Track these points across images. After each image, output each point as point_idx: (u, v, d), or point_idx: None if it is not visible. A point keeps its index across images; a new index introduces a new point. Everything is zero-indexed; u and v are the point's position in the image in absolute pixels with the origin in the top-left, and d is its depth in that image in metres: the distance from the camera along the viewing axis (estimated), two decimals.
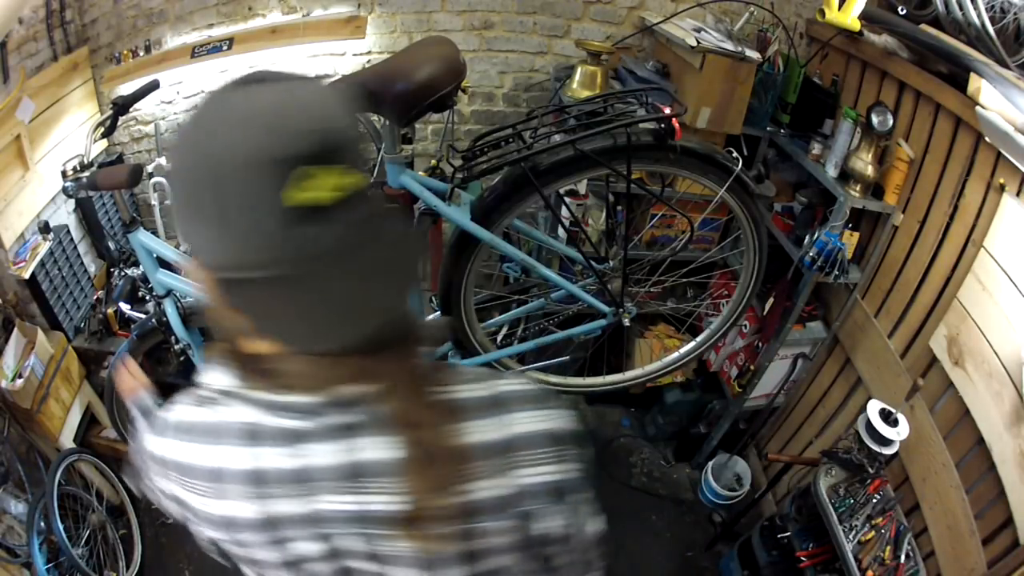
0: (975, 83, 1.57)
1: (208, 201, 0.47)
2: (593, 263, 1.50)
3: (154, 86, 1.72)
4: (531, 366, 1.77)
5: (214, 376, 0.60)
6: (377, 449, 0.54)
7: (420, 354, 0.57)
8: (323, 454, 0.54)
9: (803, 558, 1.87)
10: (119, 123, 1.65)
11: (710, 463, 2.64)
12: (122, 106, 1.61)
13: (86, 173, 1.53)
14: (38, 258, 1.94)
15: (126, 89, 2.20)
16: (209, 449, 0.58)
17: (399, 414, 0.53)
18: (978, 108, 1.55)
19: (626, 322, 1.58)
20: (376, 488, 0.54)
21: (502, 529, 0.55)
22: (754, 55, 2.04)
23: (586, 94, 2.11)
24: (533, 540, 0.57)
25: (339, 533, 0.56)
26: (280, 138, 0.45)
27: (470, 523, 0.54)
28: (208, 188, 0.46)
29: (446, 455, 0.53)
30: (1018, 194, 1.55)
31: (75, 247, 2.17)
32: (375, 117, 2.36)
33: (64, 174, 1.56)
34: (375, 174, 1.45)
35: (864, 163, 1.89)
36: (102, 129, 1.60)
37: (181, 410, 0.62)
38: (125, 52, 2.23)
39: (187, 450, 0.59)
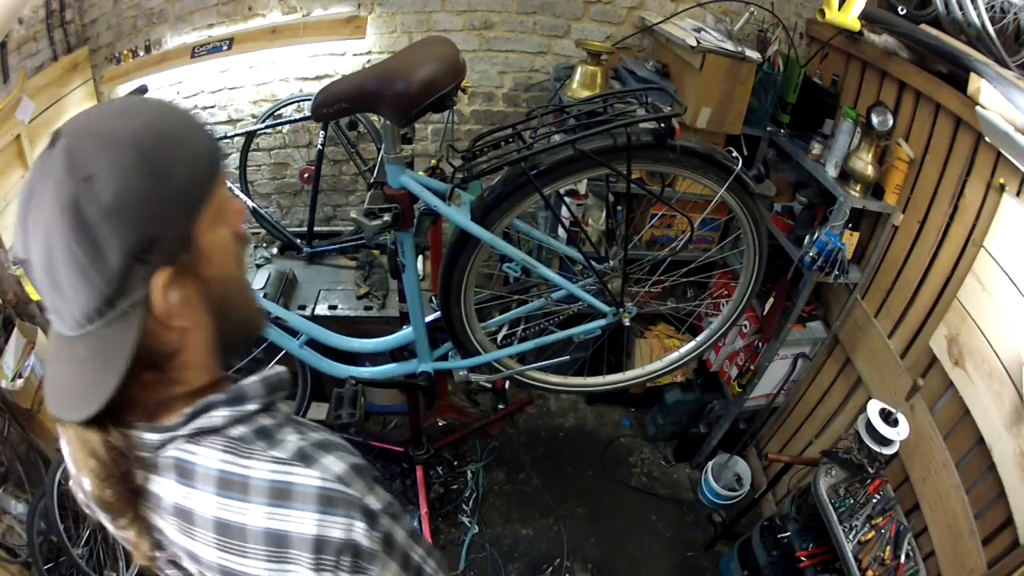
0: (975, 83, 1.57)
1: None
2: (593, 263, 1.50)
3: (142, 91, 1.72)
4: (531, 366, 1.77)
5: None
6: None
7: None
8: None
9: (803, 558, 1.87)
10: None
11: (710, 463, 2.64)
12: None
13: None
14: None
15: (124, 90, 2.20)
16: None
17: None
18: (978, 108, 1.55)
19: (626, 322, 1.58)
20: None
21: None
22: (754, 55, 2.04)
23: (586, 94, 2.11)
24: None
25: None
26: None
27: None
28: None
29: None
30: (1018, 194, 1.55)
31: None
32: (375, 117, 2.37)
33: None
34: (376, 174, 1.45)
35: (864, 163, 1.89)
36: None
37: None
38: (125, 52, 2.23)
39: None
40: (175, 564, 0.64)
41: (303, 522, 0.56)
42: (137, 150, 0.51)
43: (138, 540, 0.61)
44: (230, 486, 0.57)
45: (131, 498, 0.59)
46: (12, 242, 0.54)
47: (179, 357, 0.59)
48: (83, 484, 0.60)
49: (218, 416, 0.59)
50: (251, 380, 0.62)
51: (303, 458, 0.59)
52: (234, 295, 0.62)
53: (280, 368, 0.66)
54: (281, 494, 0.57)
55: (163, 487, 0.59)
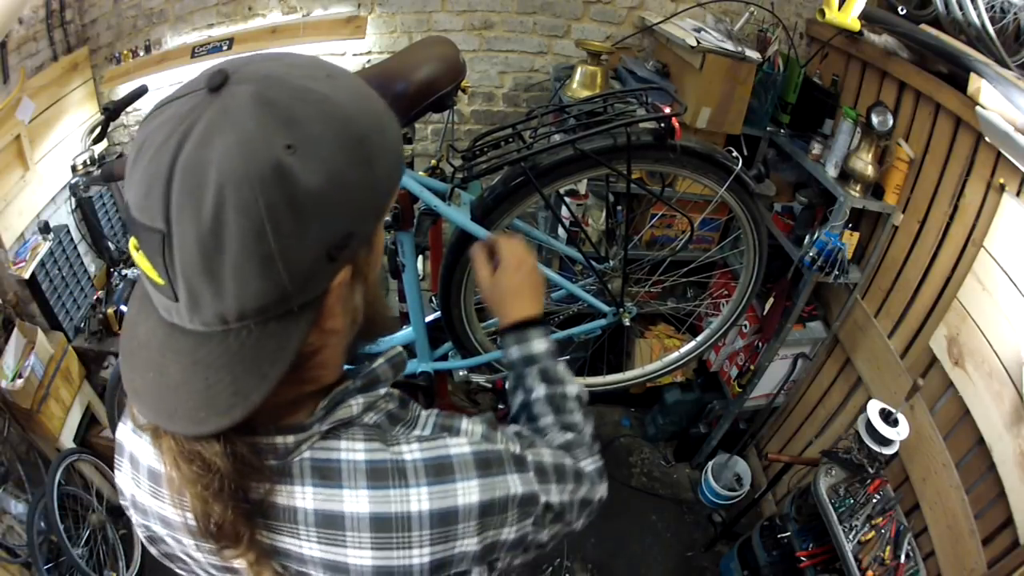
0: (975, 83, 1.57)
1: None
2: (593, 263, 1.50)
3: (142, 91, 1.72)
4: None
5: None
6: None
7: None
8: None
9: (803, 558, 1.87)
10: (110, 128, 1.66)
11: (710, 463, 2.64)
12: (113, 111, 1.61)
13: (96, 168, 1.54)
14: (38, 258, 1.94)
15: (124, 90, 2.20)
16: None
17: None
18: (978, 108, 1.55)
19: (626, 322, 1.58)
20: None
21: None
22: (754, 55, 2.04)
23: (586, 94, 2.11)
24: None
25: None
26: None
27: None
28: None
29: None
30: (1018, 194, 1.55)
31: (75, 247, 2.17)
32: None
33: (74, 168, 1.56)
34: None
35: (864, 163, 1.89)
36: (95, 134, 1.61)
37: None
38: (125, 52, 2.23)
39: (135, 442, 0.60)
40: None
41: (468, 492, 0.55)
42: (353, 131, 0.43)
43: (259, 568, 0.52)
44: (384, 475, 0.52)
45: (248, 517, 0.50)
46: (129, 197, 0.41)
47: (317, 356, 0.51)
48: (176, 509, 0.53)
49: (355, 404, 0.55)
50: (380, 363, 0.59)
51: (446, 429, 0.60)
52: (379, 298, 0.57)
53: (397, 347, 0.62)
54: (440, 470, 0.54)
55: (298, 496, 0.52)
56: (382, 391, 0.59)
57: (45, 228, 2.02)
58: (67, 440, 2.07)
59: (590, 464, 0.78)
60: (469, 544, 0.55)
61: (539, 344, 0.89)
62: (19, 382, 1.84)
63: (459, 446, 0.57)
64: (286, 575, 0.54)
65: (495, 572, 0.65)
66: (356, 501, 0.51)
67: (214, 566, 0.59)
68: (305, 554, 0.53)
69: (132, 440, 0.59)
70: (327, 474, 0.52)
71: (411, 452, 0.54)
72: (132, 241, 0.44)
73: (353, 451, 0.53)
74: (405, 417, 0.62)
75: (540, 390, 0.87)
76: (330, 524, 0.51)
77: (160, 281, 0.42)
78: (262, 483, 0.50)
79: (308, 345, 0.48)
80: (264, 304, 0.42)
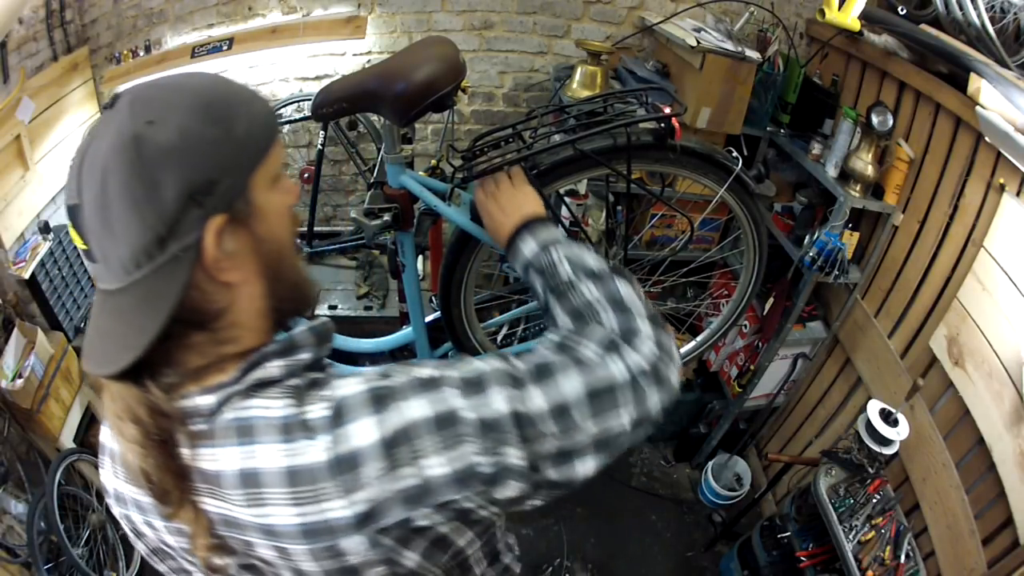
0: (975, 83, 1.57)
1: None
2: None
3: None
4: None
5: None
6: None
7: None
8: None
9: (803, 558, 1.87)
10: None
11: (710, 463, 2.64)
12: None
13: None
14: (38, 258, 1.94)
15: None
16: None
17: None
18: (978, 108, 1.55)
19: None
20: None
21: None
22: (754, 55, 2.04)
23: (586, 94, 2.11)
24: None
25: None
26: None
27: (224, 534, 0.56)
28: None
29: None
30: (1018, 194, 1.55)
31: (75, 247, 2.17)
32: (375, 117, 2.37)
33: None
34: (375, 174, 1.45)
35: (864, 163, 1.89)
36: None
37: None
38: (125, 52, 2.23)
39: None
40: (249, 568, 0.59)
41: (367, 431, 0.52)
42: (200, 99, 0.53)
43: (195, 528, 0.55)
44: (294, 429, 0.53)
45: (178, 474, 0.55)
46: (66, 188, 0.54)
47: (228, 316, 0.56)
48: (127, 460, 0.56)
49: (274, 367, 0.57)
50: (299, 329, 0.61)
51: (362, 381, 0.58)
52: (287, 262, 0.61)
53: (325, 317, 0.64)
54: (339, 414, 0.54)
55: (222, 458, 0.54)
56: (303, 356, 0.60)
57: (45, 228, 2.02)
58: (67, 440, 2.07)
59: (624, 346, 0.65)
60: (387, 488, 0.52)
61: (527, 248, 0.85)
62: (19, 382, 1.84)
63: (354, 387, 0.56)
64: (223, 543, 0.56)
65: (490, 537, 0.66)
66: (269, 456, 0.53)
67: (184, 549, 0.61)
68: (240, 518, 0.55)
69: (108, 435, 0.63)
70: (244, 431, 0.54)
71: (320, 408, 0.55)
72: (69, 223, 0.53)
73: (268, 408, 0.55)
74: (331, 384, 0.59)
75: (539, 288, 0.81)
76: (251, 483, 0.53)
77: (84, 246, 0.52)
78: (190, 446, 0.54)
79: (211, 301, 0.55)
80: (145, 245, 0.50)
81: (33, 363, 1.90)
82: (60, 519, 1.84)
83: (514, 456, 0.56)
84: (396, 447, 0.53)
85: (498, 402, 0.57)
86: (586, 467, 0.61)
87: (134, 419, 0.54)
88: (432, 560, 0.59)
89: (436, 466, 0.53)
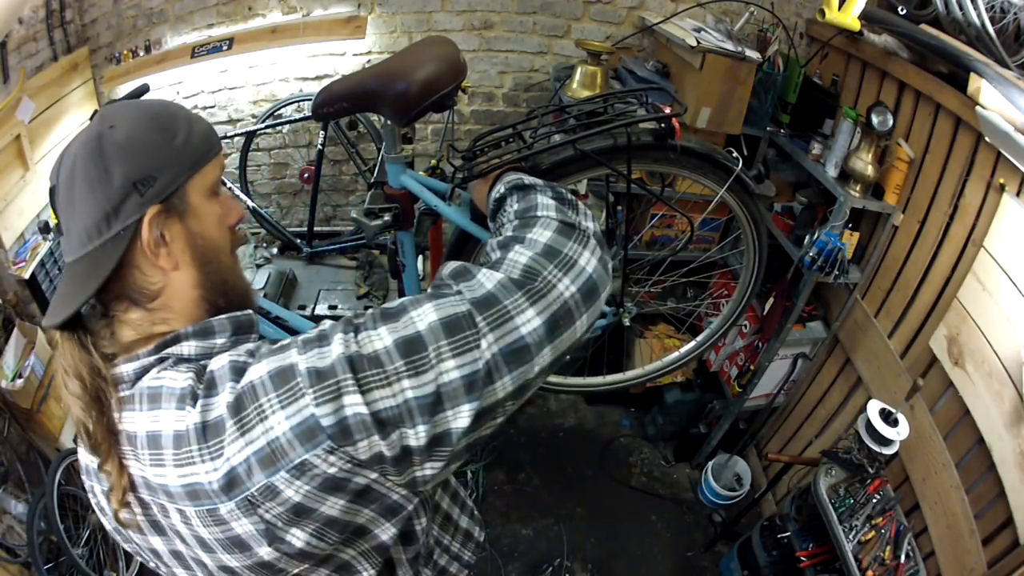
0: (975, 83, 1.57)
1: None
2: None
3: (143, 90, 1.71)
4: None
5: None
6: None
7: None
8: None
9: (803, 558, 1.87)
10: None
11: (710, 463, 2.64)
12: None
13: None
14: (38, 258, 1.94)
15: (124, 90, 2.20)
16: None
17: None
18: (978, 108, 1.55)
19: (626, 322, 1.58)
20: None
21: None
22: (754, 55, 2.04)
23: (586, 94, 2.11)
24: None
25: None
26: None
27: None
28: None
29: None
30: (1018, 194, 1.55)
31: None
32: (375, 117, 2.37)
33: None
34: (376, 174, 1.45)
35: (864, 163, 1.89)
36: None
37: None
38: (125, 52, 2.23)
39: None
40: (155, 526, 0.66)
41: (223, 401, 0.58)
42: (151, 113, 0.66)
43: (115, 480, 0.63)
44: (184, 398, 0.60)
45: (108, 429, 0.63)
46: (49, 174, 0.68)
47: (161, 298, 0.66)
48: (73, 414, 0.65)
49: (188, 346, 0.65)
50: (219, 317, 0.68)
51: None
52: (221, 262, 0.70)
53: (248, 311, 0.71)
54: (210, 383, 0.60)
55: (137, 421, 0.62)
56: (218, 341, 0.66)
57: (45, 228, 2.02)
58: (67, 440, 2.07)
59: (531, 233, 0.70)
60: (244, 451, 0.56)
61: (495, 193, 0.90)
62: (19, 382, 1.84)
63: (222, 360, 0.62)
64: (143, 507, 0.64)
65: (408, 530, 0.77)
66: (167, 421, 0.60)
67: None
68: (150, 480, 0.62)
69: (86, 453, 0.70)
70: (154, 398, 0.62)
71: (204, 381, 0.61)
72: (50, 203, 0.65)
73: (175, 380, 0.61)
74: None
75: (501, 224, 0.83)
76: (154, 444, 0.61)
77: (56, 221, 0.62)
78: (118, 410, 0.63)
79: (148, 282, 0.65)
80: (96, 220, 0.62)
81: (33, 363, 1.90)
82: (60, 519, 1.84)
83: (354, 404, 0.56)
84: (243, 409, 0.57)
85: (334, 351, 0.58)
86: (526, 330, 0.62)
87: (77, 375, 0.63)
88: (324, 540, 0.60)
89: (276, 424, 0.56)
